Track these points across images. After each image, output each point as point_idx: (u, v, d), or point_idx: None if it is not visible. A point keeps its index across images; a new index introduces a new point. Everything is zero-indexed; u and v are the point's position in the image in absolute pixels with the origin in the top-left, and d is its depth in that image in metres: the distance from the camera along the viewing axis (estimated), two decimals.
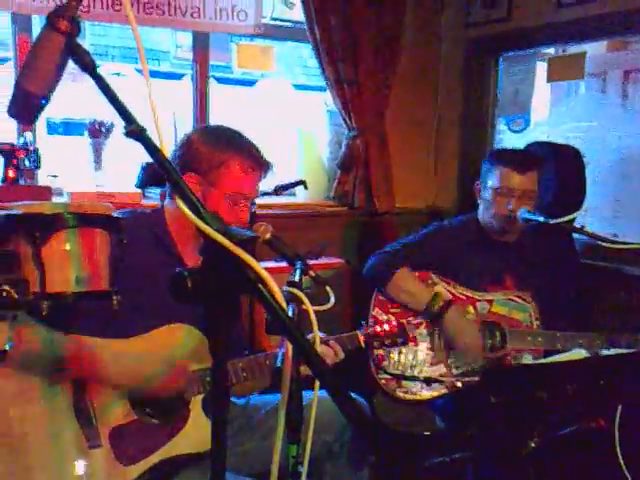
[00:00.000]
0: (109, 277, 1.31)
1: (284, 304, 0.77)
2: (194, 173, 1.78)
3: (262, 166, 1.86)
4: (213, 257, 0.82)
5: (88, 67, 0.99)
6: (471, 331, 2.41)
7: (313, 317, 1.26)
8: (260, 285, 0.76)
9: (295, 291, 1.29)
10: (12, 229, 1.21)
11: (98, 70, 1.00)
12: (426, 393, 2.41)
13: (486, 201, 2.53)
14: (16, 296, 1.18)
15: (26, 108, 1.12)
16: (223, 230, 0.78)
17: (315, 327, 1.27)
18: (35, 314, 1.21)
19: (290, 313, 1.25)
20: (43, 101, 1.10)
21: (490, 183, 2.49)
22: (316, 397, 1.26)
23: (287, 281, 1.39)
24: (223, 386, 0.90)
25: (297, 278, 1.50)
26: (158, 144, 0.92)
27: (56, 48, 1.03)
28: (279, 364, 1.01)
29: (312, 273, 1.64)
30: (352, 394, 1.98)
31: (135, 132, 0.89)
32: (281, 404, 0.99)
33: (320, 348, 1.96)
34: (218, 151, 1.79)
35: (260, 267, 0.76)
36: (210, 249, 0.82)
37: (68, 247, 1.24)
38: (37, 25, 2.97)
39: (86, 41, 3.18)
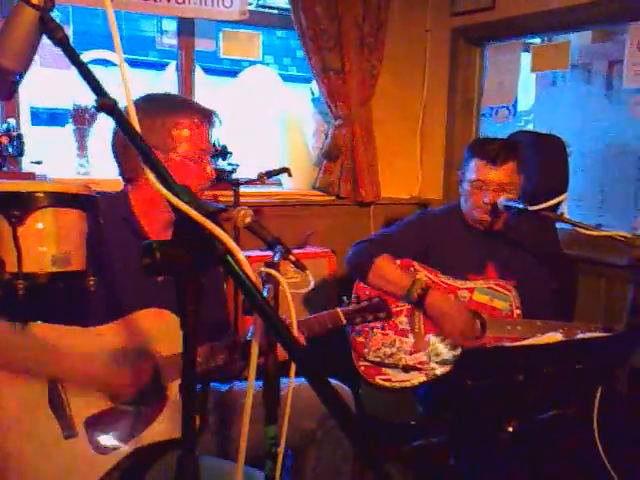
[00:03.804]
0: (86, 258, 1.30)
1: (252, 274, 0.77)
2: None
3: (208, 116, 1.85)
4: (183, 230, 0.82)
5: (61, 42, 0.98)
6: (456, 312, 2.39)
7: (290, 298, 1.25)
8: (228, 256, 0.76)
9: (272, 271, 1.29)
10: None
11: (72, 47, 1.00)
12: (406, 380, 2.42)
13: (465, 192, 2.54)
14: None
15: (0, 84, 1.11)
16: (193, 203, 0.78)
17: (292, 308, 1.27)
18: (11, 294, 1.19)
19: (265, 294, 1.24)
20: (17, 77, 1.09)
21: (467, 175, 2.50)
22: (292, 379, 1.26)
23: (265, 262, 1.38)
24: (193, 364, 0.90)
25: (276, 261, 1.50)
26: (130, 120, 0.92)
27: (29, 22, 1.03)
28: (249, 337, 1.00)
29: (292, 257, 1.63)
30: (337, 382, 2.00)
31: (106, 105, 0.89)
32: (249, 378, 0.99)
33: None
34: (162, 117, 1.77)
35: (228, 238, 0.76)
36: (180, 222, 0.82)
37: (45, 226, 1.23)
38: None
39: (70, 27, 3.14)
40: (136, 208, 1.84)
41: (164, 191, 0.80)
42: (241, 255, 0.77)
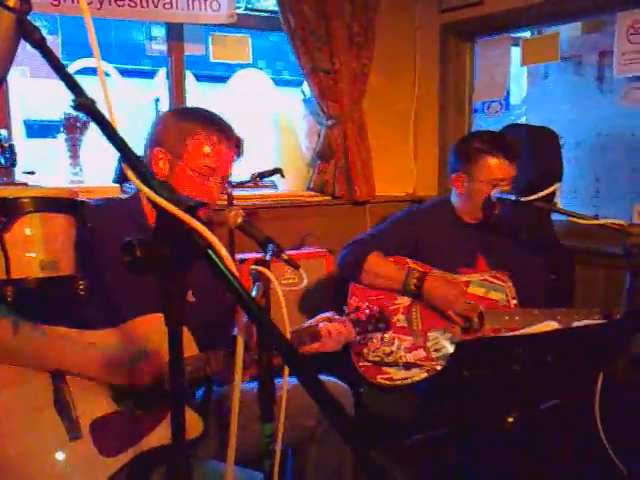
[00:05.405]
0: (75, 262, 1.29)
1: (234, 268, 0.76)
2: (162, 147, 1.77)
3: (229, 139, 1.81)
4: (164, 226, 0.81)
5: (38, 43, 0.98)
6: (456, 294, 2.41)
7: (281, 295, 1.25)
8: (209, 251, 0.75)
9: (262, 269, 1.28)
10: None
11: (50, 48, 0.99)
12: (408, 378, 2.41)
13: (474, 191, 2.46)
14: None
15: None
16: (171, 198, 0.77)
17: (284, 306, 1.26)
18: (0, 301, 1.19)
19: (254, 292, 1.24)
20: None
21: (478, 175, 2.42)
22: (285, 376, 1.26)
23: (256, 260, 1.38)
24: (179, 363, 0.89)
25: (267, 259, 1.49)
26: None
27: (6, 26, 1.02)
28: (235, 332, 1.00)
29: (284, 256, 1.62)
30: (335, 380, 1.99)
31: (84, 104, 0.88)
32: (235, 373, 0.98)
33: (336, 325, 1.95)
34: (184, 123, 1.78)
35: (208, 231, 0.76)
36: (161, 218, 0.81)
37: (32, 232, 1.23)
38: None
39: (59, 37, 3.14)
40: (148, 211, 1.82)
41: (142, 187, 0.79)
42: (222, 249, 0.76)
